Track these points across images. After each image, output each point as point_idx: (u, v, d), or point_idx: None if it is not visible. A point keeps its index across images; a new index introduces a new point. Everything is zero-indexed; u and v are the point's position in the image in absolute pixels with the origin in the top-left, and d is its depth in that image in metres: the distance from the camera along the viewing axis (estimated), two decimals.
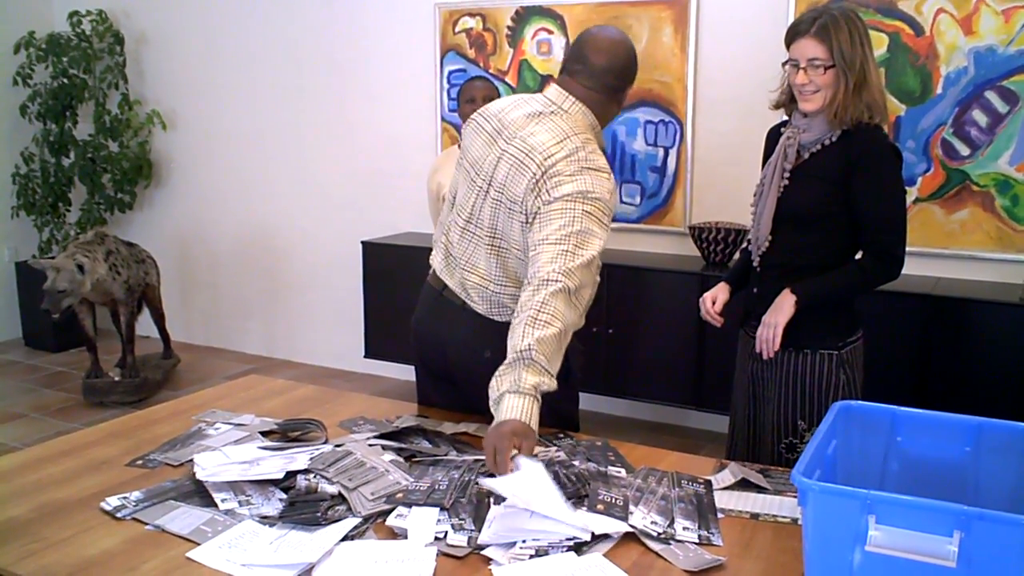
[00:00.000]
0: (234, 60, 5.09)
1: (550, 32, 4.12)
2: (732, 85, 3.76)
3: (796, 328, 2.06)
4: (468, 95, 3.28)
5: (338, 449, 1.76)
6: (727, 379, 2.40)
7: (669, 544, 1.48)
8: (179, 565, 1.41)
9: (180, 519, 1.55)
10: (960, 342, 3.14)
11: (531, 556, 1.43)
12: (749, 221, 2.28)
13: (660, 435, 3.93)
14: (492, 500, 1.58)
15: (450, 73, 4.42)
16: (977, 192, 3.38)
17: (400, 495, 1.60)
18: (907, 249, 2.09)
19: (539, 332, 1.68)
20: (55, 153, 5.28)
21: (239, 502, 1.60)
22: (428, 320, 2.12)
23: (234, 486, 1.65)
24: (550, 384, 1.69)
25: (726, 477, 1.74)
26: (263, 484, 1.65)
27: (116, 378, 4.49)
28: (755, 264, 2.20)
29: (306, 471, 1.66)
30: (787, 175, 2.11)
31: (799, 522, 1.54)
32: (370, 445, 1.82)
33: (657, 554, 1.45)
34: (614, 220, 4.24)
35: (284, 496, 1.62)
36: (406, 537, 1.48)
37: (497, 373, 1.69)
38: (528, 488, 1.53)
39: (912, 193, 3.45)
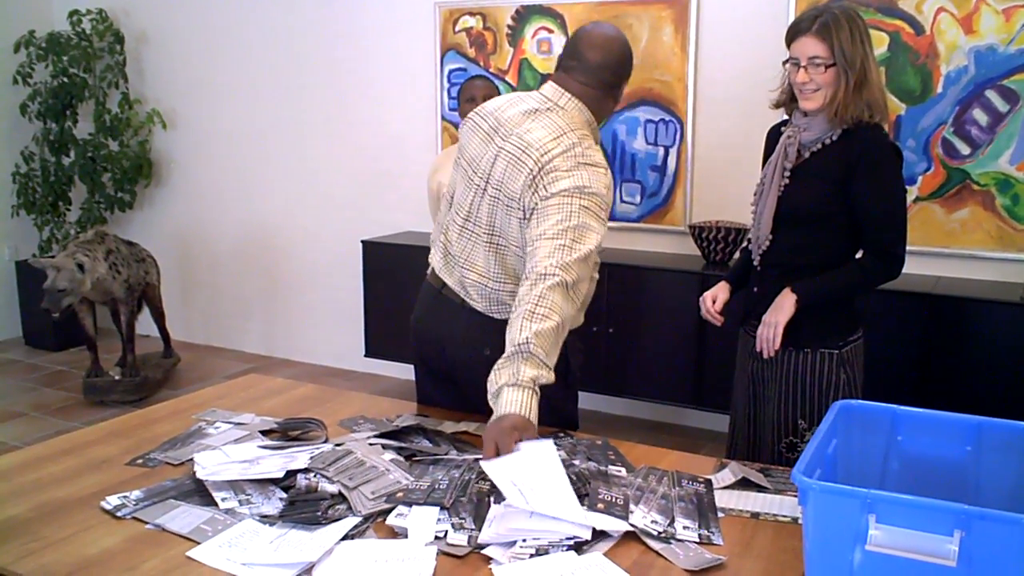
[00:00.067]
0: (234, 59, 5.09)
1: (550, 31, 4.12)
2: (732, 84, 3.76)
3: (796, 327, 2.06)
4: (468, 94, 3.27)
5: (338, 448, 1.76)
6: (727, 378, 2.40)
7: (669, 543, 1.48)
8: (179, 564, 1.41)
9: (180, 518, 1.55)
10: (960, 341, 3.14)
11: (531, 555, 1.43)
12: (749, 220, 2.28)
13: (660, 434, 3.93)
14: (492, 499, 1.58)
15: (450, 72, 4.42)
16: (977, 191, 3.38)
17: (400, 494, 1.60)
18: (907, 248, 2.09)
19: (537, 325, 1.69)
20: (55, 152, 5.28)
21: (239, 501, 1.60)
22: (427, 318, 2.12)
23: (234, 485, 1.65)
24: (548, 377, 1.70)
25: (726, 476, 1.74)
26: (263, 483, 1.65)
27: (116, 377, 4.49)
28: (755, 263, 2.20)
29: (306, 470, 1.66)
30: (787, 174, 2.11)
31: (799, 521, 1.54)
32: (370, 444, 1.82)
33: (657, 553, 1.45)
34: (614, 219, 4.25)
35: (284, 495, 1.62)
36: (406, 536, 1.48)
37: (495, 367, 1.70)
38: (532, 467, 1.53)
39: (912, 192, 3.44)
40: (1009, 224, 3.34)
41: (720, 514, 1.60)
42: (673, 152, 3.95)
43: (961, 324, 3.14)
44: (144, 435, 1.96)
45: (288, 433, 1.93)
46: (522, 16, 4.18)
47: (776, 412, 2.17)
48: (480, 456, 1.66)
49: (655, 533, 1.50)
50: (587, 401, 4.01)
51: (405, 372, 4.23)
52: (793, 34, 2.05)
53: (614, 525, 1.50)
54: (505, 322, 1.78)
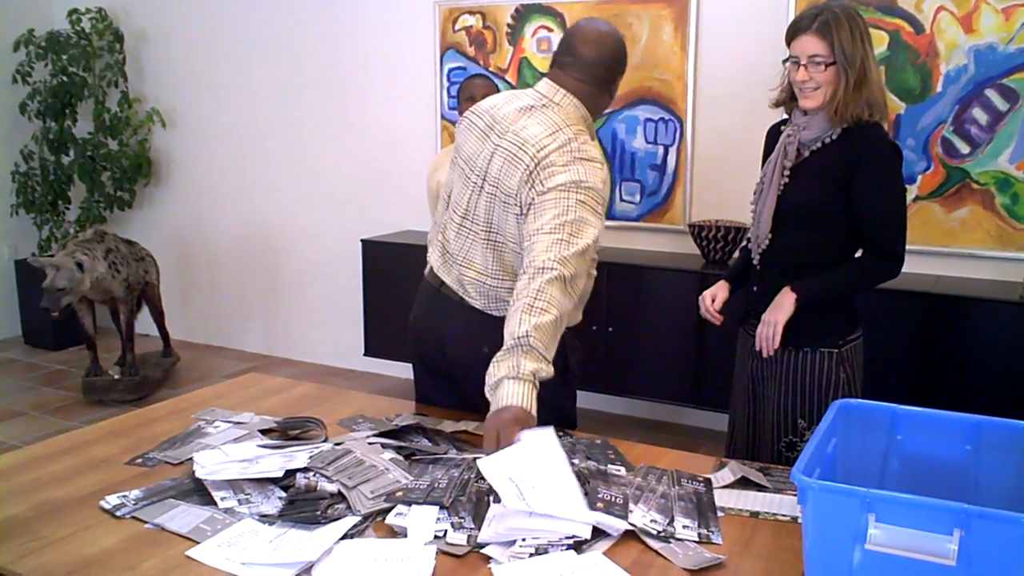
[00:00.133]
0: (234, 58, 5.08)
1: (550, 30, 4.12)
2: (732, 83, 3.75)
3: (796, 326, 2.06)
4: (468, 93, 3.27)
5: (337, 447, 1.76)
6: (727, 377, 2.40)
7: (669, 542, 1.48)
8: (178, 564, 1.41)
9: (179, 517, 1.55)
10: (960, 340, 3.14)
11: (531, 555, 1.43)
12: (749, 219, 2.28)
13: (659, 433, 3.93)
14: (492, 499, 1.58)
15: (450, 71, 4.42)
16: (977, 190, 3.38)
17: (400, 493, 1.60)
18: (907, 247, 2.09)
19: (536, 319, 1.69)
20: (54, 151, 5.27)
21: (238, 500, 1.60)
22: (426, 317, 2.12)
23: (233, 484, 1.65)
24: (548, 371, 1.70)
25: (726, 475, 1.74)
26: (262, 482, 1.65)
27: (115, 376, 4.49)
28: (755, 262, 2.20)
29: (305, 469, 1.66)
30: (787, 173, 2.11)
31: (799, 520, 1.54)
32: (370, 443, 1.82)
33: (657, 552, 1.45)
34: (613, 218, 4.25)
35: (283, 494, 1.62)
36: (406, 535, 1.48)
37: (494, 359, 1.69)
38: (534, 460, 1.54)
39: (912, 191, 3.44)
40: (1008, 223, 3.34)
41: (719, 513, 1.60)
42: (673, 151, 3.95)
43: (961, 323, 3.14)
44: (143, 434, 1.96)
45: (287, 432, 1.93)
46: (522, 15, 4.18)
47: (775, 411, 2.17)
48: (480, 455, 1.66)
49: (654, 532, 1.50)
50: (586, 400, 4.03)
51: (404, 371, 4.23)
52: (793, 33, 2.05)
53: (613, 524, 1.50)
54: (504, 320, 1.78)
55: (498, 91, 3.31)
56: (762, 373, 2.20)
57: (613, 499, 1.58)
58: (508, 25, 4.22)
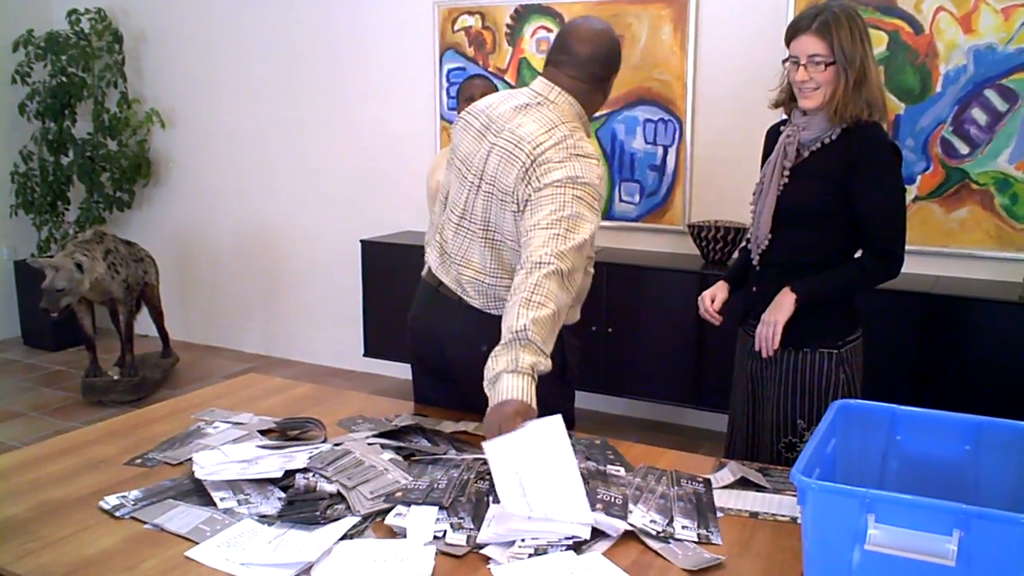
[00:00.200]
0: (233, 58, 5.08)
1: (549, 30, 4.12)
2: (731, 83, 3.75)
3: (795, 326, 2.06)
4: (467, 93, 3.27)
5: (337, 448, 1.76)
6: (726, 378, 2.40)
7: (668, 543, 1.48)
8: (178, 564, 1.41)
9: (179, 518, 1.55)
10: (959, 340, 3.14)
11: (530, 555, 1.43)
12: (748, 219, 2.28)
13: (659, 434, 3.93)
14: (491, 499, 1.58)
15: (449, 71, 4.42)
16: (976, 190, 3.38)
17: (399, 494, 1.60)
18: (906, 247, 2.09)
19: (534, 313, 1.69)
20: (54, 152, 5.27)
21: (238, 501, 1.60)
22: (424, 316, 2.12)
23: (233, 485, 1.65)
24: (546, 365, 1.70)
25: (725, 476, 1.74)
26: (262, 483, 1.65)
27: (115, 377, 4.49)
28: (754, 262, 2.20)
29: (305, 470, 1.66)
30: (787, 173, 2.11)
31: (798, 521, 1.54)
32: (369, 444, 1.82)
33: (656, 553, 1.45)
34: (613, 218, 4.24)
35: (283, 495, 1.62)
36: (405, 536, 1.48)
37: (492, 353, 1.69)
38: (538, 449, 1.53)
39: (911, 191, 3.44)
40: (1008, 223, 3.34)
41: (719, 514, 1.60)
42: (672, 151, 3.95)
43: (960, 323, 3.14)
44: (143, 435, 1.96)
45: (287, 433, 1.93)
46: (521, 15, 4.18)
47: (775, 411, 2.17)
48: (479, 456, 1.66)
49: (654, 533, 1.50)
50: (586, 400, 4.03)
51: (404, 372, 4.23)
52: (793, 32, 2.05)
53: (613, 525, 1.50)
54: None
55: (497, 91, 3.32)
56: (761, 373, 2.20)
57: (612, 500, 1.58)
58: (507, 25, 4.22)
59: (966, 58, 3.33)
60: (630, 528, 1.51)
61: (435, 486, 1.61)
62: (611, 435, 1.99)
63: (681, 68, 3.85)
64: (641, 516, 1.54)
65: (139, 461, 1.81)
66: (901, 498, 1.19)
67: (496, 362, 1.67)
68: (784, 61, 2.10)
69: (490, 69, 4.29)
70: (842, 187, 2.05)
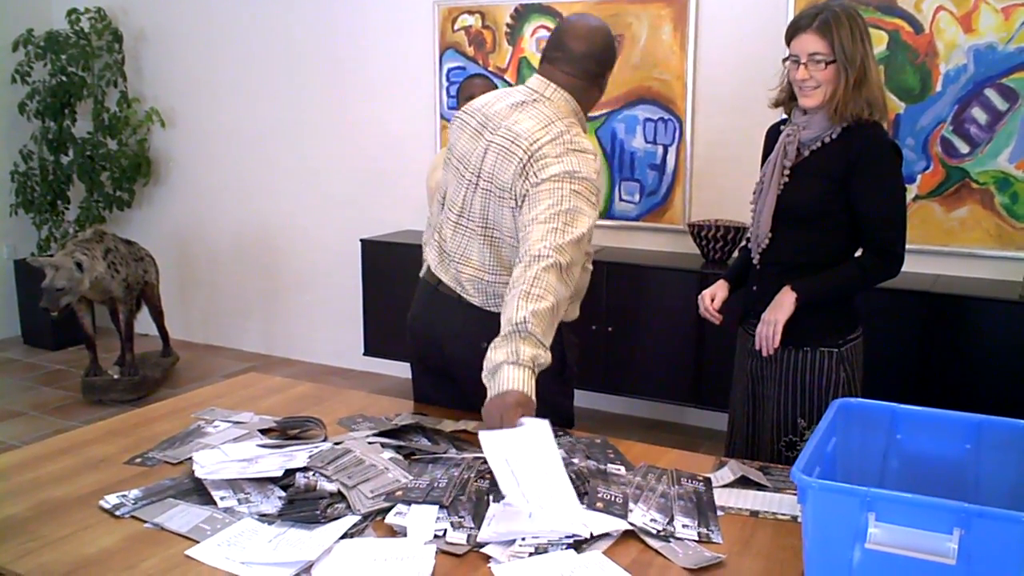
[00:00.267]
0: (233, 57, 5.08)
1: (549, 29, 4.11)
2: (731, 83, 3.75)
3: (796, 326, 2.06)
4: (467, 93, 3.27)
5: (337, 447, 1.76)
6: (726, 377, 2.40)
7: (669, 542, 1.48)
8: (178, 563, 1.41)
9: (179, 517, 1.55)
10: (960, 339, 3.14)
11: (530, 554, 1.43)
12: (748, 219, 2.28)
13: (659, 432, 3.93)
14: (491, 498, 1.58)
15: (449, 71, 4.42)
16: (976, 189, 3.38)
17: (399, 493, 1.60)
18: (907, 246, 2.09)
19: (533, 305, 1.69)
20: (54, 151, 5.27)
21: (238, 500, 1.60)
22: (424, 315, 2.12)
23: (233, 484, 1.65)
24: (546, 358, 1.70)
25: (726, 475, 1.74)
26: (262, 482, 1.65)
27: (115, 376, 4.49)
28: (755, 262, 2.20)
29: (305, 469, 1.66)
30: (787, 172, 2.11)
31: (799, 520, 1.54)
32: (369, 443, 1.82)
33: (657, 552, 1.45)
34: (613, 218, 4.24)
35: (283, 494, 1.62)
36: (405, 535, 1.48)
37: (492, 345, 1.69)
38: (529, 449, 1.54)
39: (912, 191, 3.44)
40: (1008, 222, 3.34)
41: (719, 512, 1.60)
42: (672, 150, 3.95)
43: (960, 322, 3.14)
44: (143, 434, 1.96)
45: (287, 432, 1.93)
46: (521, 14, 4.18)
47: (775, 410, 2.17)
48: (479, 455, 1.66)
49: (654, 531, 1.50)
50: (586, 399, 4.03)
51: (404, 371, 4.23)
52: (793, 31, 2.05)
53: (613, 524, 1.50)
54: None
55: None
56: (762, 372, 2.20)
57: (613, 498, 1.58)
58: (507, 25, 4.22)
59: (966, 57, 3.33)
60: (630, 527, 1.51)
61: (435, 485, 1.61)
62: (611, 434, 1.99)
63: (681, 67, 3.85)
64: (641, 515, 1.54)
65: (139, 460, 1.81)
66: (902, 497, 1.19)
67: (496, 353, 1.67)
68: (784, 60, 2.10)
69: (490, 68, 4.28)
70: (842, 186, 2.05)
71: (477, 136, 2.00)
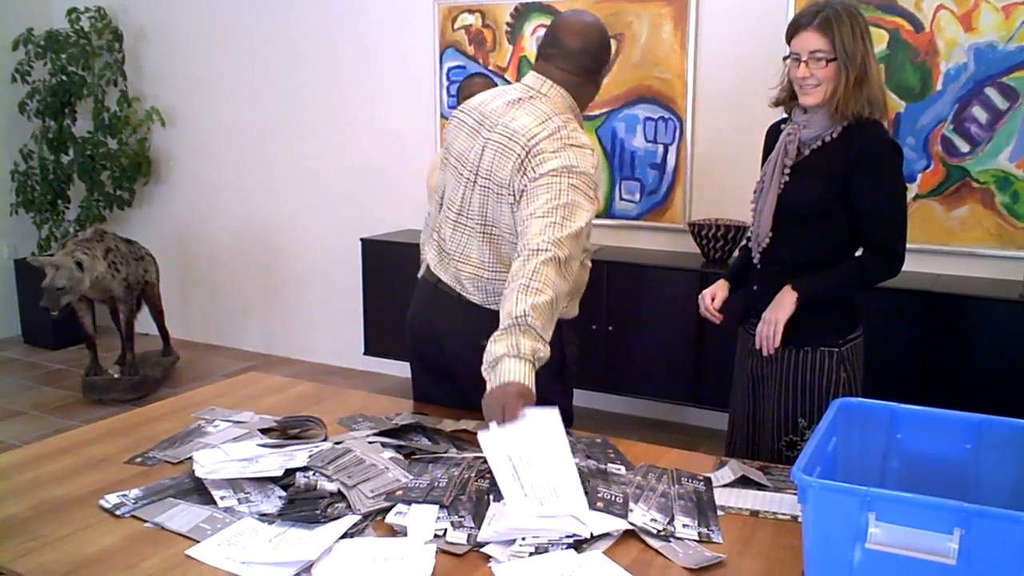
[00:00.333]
0: (233, 57, 5.08)
1: None
2: (732, 82, 3.75)
3: (796, 325, 2.06)
4: (467, 92, 3.27)
5: (337, 446, 1.76)
6: (726, 376, 2.40)
7: (669, 541, 1.48)
8: (178, 563, 1.41)
9: (179, 517, 1.55)
10: (960, 339, 3.13)
11: (531, 554, 1.43)
12: (749, 218, 2.27)
13: (659, 432, 3.93)
14: (492, 498, 1.58)
15: (449, 70, 4.42)
16: (977, 189, 3.38)
17: (400, 492, 1.60)
18: (907, 246, 2.08)
19: (532, 299, 1.69)
20: (54, 150, 5.27)
21: (238, 500, 1.60)
22: (424, 313, 2.12)
23: (233, 483, 1.65)
24: (545, 351, 1.70)
25: (726, 474, 1.74)
26: (262, 481, 1.65)
27: (115, 375, 4.49)
28: (755, 261, 2.20)
29: (305, 468, 1.66)
30: (787, 171, 2.11)
31: (799, 519, 1.54)
32: (369, 442, 1.82)
33: (657, 551, 1.45)
34: (613, 217, 4.23)
35: (283, 493, 1.62)
36: (405, 535, 1.48)
37: (492, 338, 1.69)
38: (535, 439, 1.54)
39: (912, 190, 3.44)
40: (1008, 222, 3.34)
41: (719, 512, 1.60)
42: (672, 150, 3.94)
43: (961, 322, 3.14)
44: (143, 433, 1.96)
45: (287, 431, 1.93)
46: (521, 13, 4.18)
47: (776, 410, 2.17)
48: (480, 454, 1.66)
49: (654, 531, 1.50)
50: (586, 399, 4.03)
51: (404, 370, 4.23)
52: (794, 29, 2.05)
53: (613, 524, 1.50)
54: None
55: None
56: (762, 372, 2.20)
57: (613, 498, 1.58)
58: (507, 24, 4.22)
59: (967, 56, 3.33)
60: (631, 527, 1.51)
61: (435, 484, 1.61)
62: (612, 434, 1.98)
63: (681, 66, 3.85)
64: (642, 515, 1.54)
65: (139, 460, 1.81)
66: (902, 496, 1.19)
67: (496, 347, 1.67)
68: (785, 58, 2.10)
69: (490, 67, 4.28)
70: (843, 185, 2.04)
71: (474, 134, 2.00)
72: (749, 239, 2.25)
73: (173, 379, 4.78)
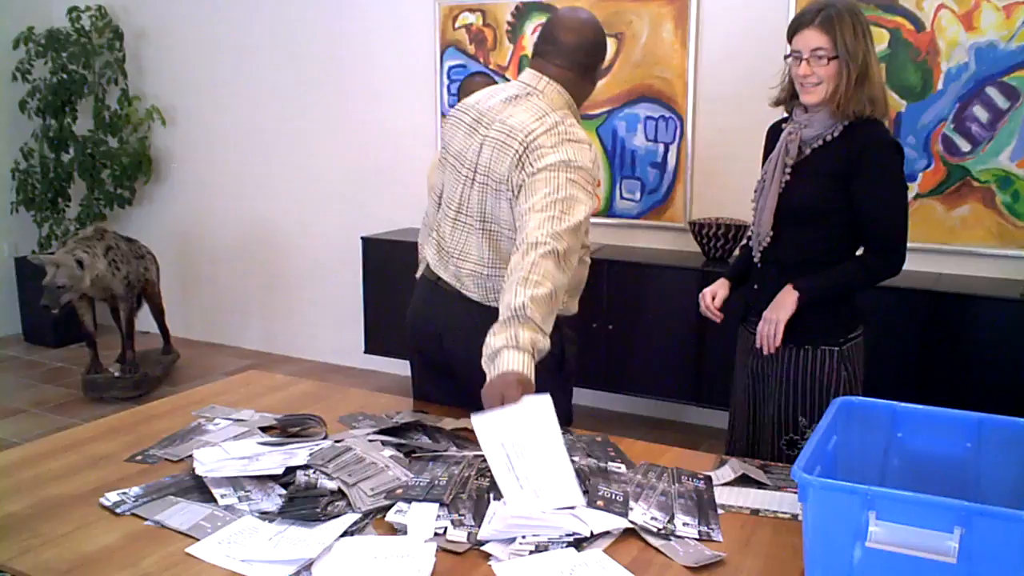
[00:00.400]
0: (233, 55, 5.08)
1: None
2: (733, 81, 3.75)
3: (797, 324, 2.06)
4: (467, 91, 3.26)
5: (338, 445, 1.76)
6: (727, 375, 2.40)
7: (669, 540, 1.48)
8: (178, 561, 1.41)
9: (179, 515, 1.55)
10: (961, 338, 3.13)
11: (531, 552, 1.43)
12: (749, 217, 2.27)
13: (660, 431, 3.92)
14: (492, 496, 1.58)
15: (450, 69, 4.41)
16: (978, 188, 3.37)
17: (400, 491, 1.60)
18: (908, 245, 2.08)
19: (531, 291, 1.69)
20: (54, 149, 5.27)
21: (238, 498, 1.60)
22: (424, 311, 2.12)
23: (233, 482, 1.65)
24: (545, 343, 1.69)
25: (726, 473, 1.74)
26: (262, 480, 1.65)
27: (116, 374, 4.49)
28: (756, 260, 2.20)
29: (305, 467, 1.66)
30: (788, 171, 2.11)
31: (799, 518, 1.54)
32: (370, 441, 1.82)
33: (657, 550, 1.45)
34: (614, 216, 4.23)
35: (283, 492, 1.62)
36: (406, 533, 1.48)
37: (491, 331, 1.69)
38: (527, 426, 1.53)
39: (913, 189, 3.44)
40: (1009, 221, 3.34)
41: (720, 511, 1.60)
42: (673, 149, 3.94)
43: (961, 321, 3.14)
44: (143, 432, 1.96)
45: (287, 429, 1.93)
46: (522, 12, 4.18)
47: (776, 409, 2.16)
48: (480, 453, 1.66)
49: (655, 530, 1.50)
50: (587, 397, 4.03)
51: (405, 368, 4.22)
52: (795, 27, 2.05)
53: (614, 522, 1.50)
54: None
55: None
56: (763, 371, 2.20)
57: (613, 496, 1.58)
58: (508, 23, 4.22)
59: (967, 55, 3.32)
60: (631, 525, 1.51)
61: (436, 483, 1.61)
62: (612, 432, 1.98)
63: (682, 65, 3.85)
64: (642, 513, 1.54)
65: (140, 458, 1.81)
66: (902, 495, 1.19)
67: (495, 339, 1.67)
68: (786, 57, 2.10)
69: (491, 67, 4.28)
70: (844, 184, 2.04)
71: (472, 132, 2.01)
72: (750, 238, 2.25)
73: (173, 377, 4.78)
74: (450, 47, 4.39)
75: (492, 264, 1.98)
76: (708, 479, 1.71)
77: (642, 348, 3.76)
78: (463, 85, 3.38)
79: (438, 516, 1.52)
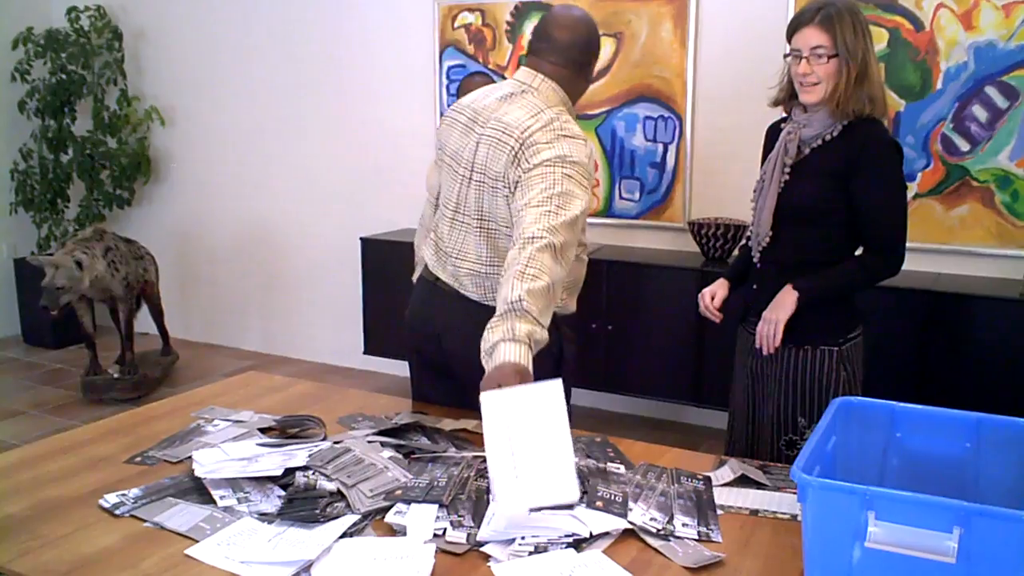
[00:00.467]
0: (233, 56, 5.08)
1: None
2: (732, 80, 3.75)
3: (796, 324, 2.06)
4: (467, 91, 3.25)
5: (337, 446, 1.76)
6: (726, 375, 2.40)
7: (668, 540, 1.48)
8: (178, 562, 1.41)
9: (178, 516, 1.55)
10: (960, 338, 3.13)
11: (530, 553, 1.42)
12: (749, 217, 2.27)
13: (659, 431, 3.93)
14: (491, 497, 1.58)
15: (449, 69, 4.41)
16: (977, 188, 3.38)
17: (399, 492, 1.60)
18: (907, 245, 2.08)
19: (528, 284, 1.69)
20: (53, 149, 5.27)
21: (238, 499, 1.60)
22: (423, 310, 2.12)
23: (233, 483, 1.64)
24: (542, 335, 1.69)
25: (726, 473, 1.74)
26: (262, 481, 1.65)
27: (115, 375, 4.48)
28: (755, 260, 2.20)
29: (305, 468, 1.66)
30: (788, 170, 2.11)
31: (798, 518, 1.54)
32: (369, 442, 1.82)
33: (656, 550, 1.45)
34: (613, 216, 4.23)
35: (283, 493, 1.62)
36: (405, 534, 1.48)
37: (489, 326, 1.68)
38: (533, 410, 1.51)
39: (912, 188, 3.44)
40: (1008, 220, 3.34)
41: (719, 511, 1.60)
42: (672, 148, 3.94)
43: (960, 321, 3.14)
44: (143, 433, 1.96)
45: (286, 431, 1.93)
46: (521, 12, 4.18)
47: (775, 409, 2.16)
48: (479, 453, 1.66)
49: (654, 530, 1.50)
50: (586, 398, 4.03)
51: (404, 369, 4.22)
52: (795, 26, 2.05)
53: (613, 523, 1.50)
54: None
55: None
56: (762, 371, 2.20)
57: (612, 497, 1.58)
58: (507, 22, 4.22)
59: (967, 55, 3.33)
60: (630, 526, 1.50)
61: (435, 484, 1.61)
62: (611, 433, 1.98)
63: (681, 65, 3.85)
64: (641, 514, 1.54)
65: (139, 459, 1.81)
66: (901, 495, 1.19)
67: (492, 334, 1.66)
68: (785, 56, 2.10)
69: (490, 66, 4.28)
70: (843, 184, 2.04)
71: (468, 131, 2.01)
72: (749, 238, 2.25)
73: (172, 378, 4.78)
74: (449, 47, 4.39)
75: (490, 263, 1.98)
76: (707, 480, 1.71)
77: (641, 348, 3.76)
78: (462, 85, 3.38)
79: (437, 517, 1.52)
